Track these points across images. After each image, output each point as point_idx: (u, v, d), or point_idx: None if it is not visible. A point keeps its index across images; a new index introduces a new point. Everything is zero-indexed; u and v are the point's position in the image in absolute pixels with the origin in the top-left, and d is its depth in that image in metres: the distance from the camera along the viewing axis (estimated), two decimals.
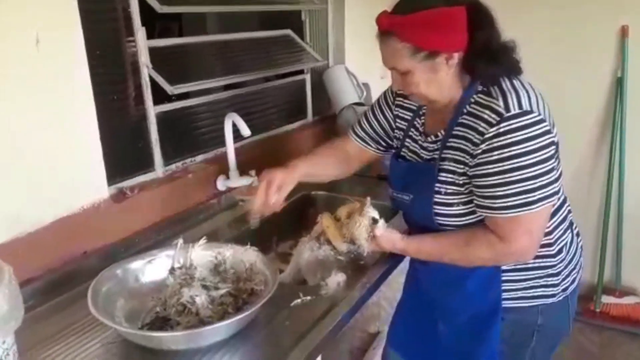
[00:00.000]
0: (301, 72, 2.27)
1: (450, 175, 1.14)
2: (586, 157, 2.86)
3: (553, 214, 1.19)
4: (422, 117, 1.28)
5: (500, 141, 1.04)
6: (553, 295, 1.21)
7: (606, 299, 2.84)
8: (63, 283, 1.25)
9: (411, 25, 1.06)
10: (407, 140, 1.31)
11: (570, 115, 2.57)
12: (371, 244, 1.25)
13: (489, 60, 1.08)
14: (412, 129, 1.30)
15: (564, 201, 1.26)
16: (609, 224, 2.84)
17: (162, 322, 1.10)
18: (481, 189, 1.09)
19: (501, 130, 1.04)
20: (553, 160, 1.07)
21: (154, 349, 1.02)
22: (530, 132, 1.03)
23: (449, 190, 1.15)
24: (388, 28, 1.09)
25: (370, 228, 1.24)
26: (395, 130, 1.37)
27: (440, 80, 1.12)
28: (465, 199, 1.14)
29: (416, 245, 1.23)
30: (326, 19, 2.33)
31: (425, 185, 1.18)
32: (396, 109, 1.36)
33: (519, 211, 1.06)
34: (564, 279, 1.22)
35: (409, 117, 1.32)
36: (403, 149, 1.31)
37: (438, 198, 1.16)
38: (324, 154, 1.47)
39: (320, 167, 1.45)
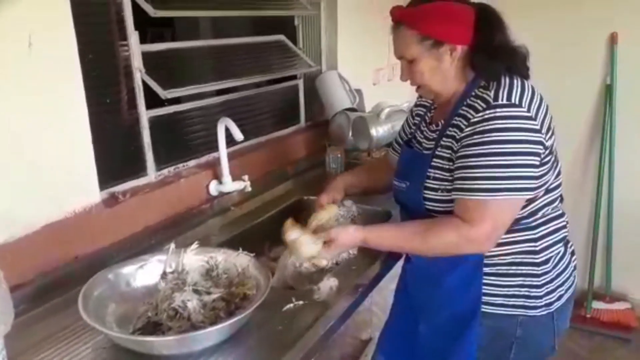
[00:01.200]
0: (294, 77, 2.27)
1: (440, 161, 1.19)
2: (576, 163, 2.89)
3: (544, 223, 1.21)
4: (432, 112, 1.36)
5: (482, 126, 1.09)
6: (534, 308, 1.20)
7: (596, 305, 2.87)
8: (54, 288, 1.24)
9: (420, 15, 1.17)
10: (417, 132, 1.37)
11: (559, 123, 2.58)
12: (328, 250, 1.25)
13: (491, 57, 1.15)
14: (423, 123, 1.37)
15: (561, 215, 1.26)
16: (599, 230, 2.87)
17: (153, 327, 1.09)
18: (457, 171, 1.14)
19: (485, 116, 1.10)
20: (532, 158, 1.09)
21: (146, 354, 1.01)
22: (513, 123, 1.08)
23: (436, 175, 1.19)
24: (399, 19, 1.20)
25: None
26: (412, 126, 1.43)
27: (443, 71, 1.20)
28: (449, 187, 1.17)
29: (377, 232, 1.25)
30: (319, 25, 2.35)
31: (419, 171, 1.23)
32: (415, 108, 1.46)
33: (484, 195, 1.09)
34: (548, 293, 1.21)
35: (422, 113, 1.41)
36: (412, 140, 1.37)
37: (427, 182, 1.20)
38: (365, 166, 1.66)
39: (362, 176, 1.59)
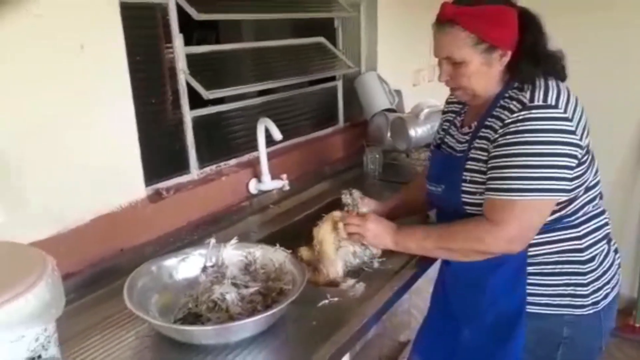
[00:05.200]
0: (333, 78, 2.30)
1: (475, 163, 1.18)
2: (624, 167, 2.78)
3: (586, 221, 1.19)
4: (462, 115, 1.34)
5: (516, 127, 1.08)
6: (582, 307, 1.19)
7: None
8: (101, 278, 1.31)
9: (477, 16, 1.11)
10: (447, 137, 1.35)
11: (607, 125, 2.51)
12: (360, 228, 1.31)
13: (533, 61, 1.13)
14: (452, 127, 1.35)
15: (602, 212, 1.24)
16: None
17: (193, 318, 1.14)
18: (490, 171, 1.13)
19: (520, 117, 1.08)
20: (565, 159, 1.08)
21: (185, 343, 1.05)
22: (548, 124, 1.06)
23: (474, 178, 1.18)
24: (453, 17, 1.13)
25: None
26: (441, 132, 1.41)
27: (490, 75, 1.17)
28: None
29: (408, 229, 1.28)
30: (359, 27, 2.36)
31: (455, 175, 1.21)
32: (444, 115, 1.43)
33: (512, 195, 1.08)
34: (594, 292, 1.19)
35: (451, 118, 1.38)
36: (442, 145, 1.36)
37: (464, 186, 1.19)
38: (411, 186, 1.61)
39: (408, 198, 1.55)
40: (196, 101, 1.66)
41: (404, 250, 1.31)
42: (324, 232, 1.37)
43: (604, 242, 1.23)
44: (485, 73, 1.16)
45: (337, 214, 1.40)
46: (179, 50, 1.56)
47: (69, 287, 1.20)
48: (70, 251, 1.26)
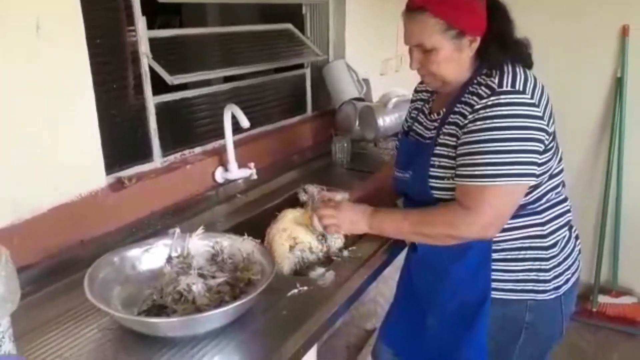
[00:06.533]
0: (301, 66, 2.27)
1: (444, 149, 1.18)
2: (585, 157, 2.87)
3: (549, 207, 1.21)
4: (430, 103, 1.35)
5: (485, 112, 1.10)
6: (544, 292, 1.21)
7: (602, 299, 2.86)
8: (60, 270, 1.25)
9: (446, 3, 1.13)
10: (415, 124, 1.35)
11: (568, 115, 2.58)
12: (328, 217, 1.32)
13: (501, 47, 1.15)
14: (421, 114, 1.35)
15: (565, 200, 1.27)
16: (607, 224, 2.85)
17: (158, 310, 1.10)
18: (460, 157, 1.14)
19: (489, 103, 1.10)
20: (534, 144, 1.10)
21: (150, 336, 1.01)
22: (516, 109, 1.08)
23: (442, 163, 1.19)
24: (422, 4, 1.14)
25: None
26: (409, 120, 1.41)
27: (460, 62, 1.18)
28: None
29: (383, 213, 1.28)
30: (327, 14, 2.33)
31: (423, 160, 1.22)
32: (412, 103, 1.43)
33: (483, 181, 1.09)
34: (556, 277, 1.22)
35: (419, 106, 1.39)
36: (411, 133, 1.36)
37: (432, 171, 1.20)
38: (377, 177, 1.60)
39: (375, 188, 1.55)
40: (160, 87, 1.61)
41: (379, 233, 1.31)
42: (275, 232, 1.37)
43: (566, 228, 1.26)
44: (455, 59, 1.17)
45: (290, 212, 1.42)
46: (142, 33, 1.50)
47: (26, 279, 1.15)
48: (26, 242, 1.20)
